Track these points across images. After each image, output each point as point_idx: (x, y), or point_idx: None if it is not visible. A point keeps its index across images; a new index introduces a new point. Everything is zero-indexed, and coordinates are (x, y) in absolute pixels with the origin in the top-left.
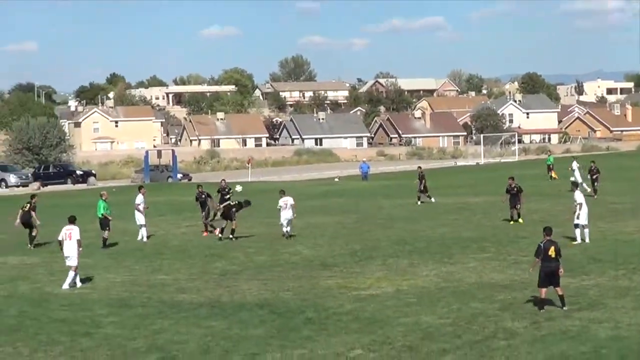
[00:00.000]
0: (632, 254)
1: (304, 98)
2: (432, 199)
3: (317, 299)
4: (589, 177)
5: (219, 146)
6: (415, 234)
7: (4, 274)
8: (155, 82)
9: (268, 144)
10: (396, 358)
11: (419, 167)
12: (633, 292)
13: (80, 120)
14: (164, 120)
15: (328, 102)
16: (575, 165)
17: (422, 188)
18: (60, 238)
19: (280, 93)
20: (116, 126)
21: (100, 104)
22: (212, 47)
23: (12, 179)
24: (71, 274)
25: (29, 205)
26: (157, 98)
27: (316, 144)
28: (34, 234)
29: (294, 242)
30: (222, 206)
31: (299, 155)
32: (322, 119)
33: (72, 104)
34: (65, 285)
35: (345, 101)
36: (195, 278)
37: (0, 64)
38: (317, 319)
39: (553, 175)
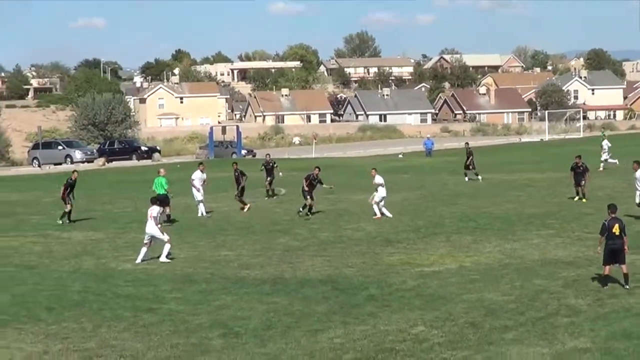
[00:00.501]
0: None
1: (369, 74)
2: (479, 177)
3: (380, 275)
4: None
5: (283, 122)
6: (478, 211)
7: (68, 249)
8: (220, 58)
9: (332, 120)
10: (459, 334)
11: (467, 144)
12: None
13: (145, 96)
14: (228, 96)
15: (392, 78)
16: (605, 144)
17: (469, 165)
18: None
19: (345, 69)
20: (181, 102)
21: (165, 80)
22: (278, 23)
23: (77, 154)
24: (167, 246)
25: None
26: (222, 74)
27: (380, 120)
28: (67, 209)
29: (357, 219)
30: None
31: (363, 131)
32: (387, 95)
33: (138, 80)
34: (163, 258)
35: (410, 77)
36: (258, 254)
37: (67, 41)
38: (380, 295)
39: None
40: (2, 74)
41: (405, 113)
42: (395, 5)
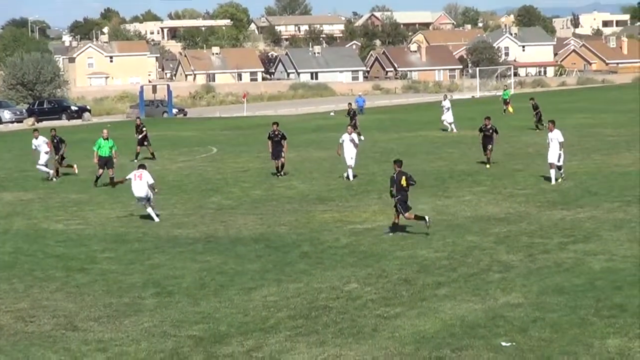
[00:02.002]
0: (627, 186)
1: (300, 32)
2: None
3: (312, 233)
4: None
5: (214, 81)
6: (410, 168)
7: None
8: (149, 16)
9: (264, 79)
10: (392, 291)
11: (531, 99)
12: (628, 224)
13: (74, 55)
14: (158, 55)
15: (323, 36)
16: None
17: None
18: (128, 177)
19: (276, 27)
20: (111, 61)
21: (94, 39)
22: None
23: (6, 114)
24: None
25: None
26: (151, 33)
27: (312, 78)
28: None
29: (289, 177)
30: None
31: (295, 89)
32: (318, 53)
33: (67, 39)
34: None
35: (341, 35)
36: (191, 213)
37: None
38: (313, 252)
39: (509, 109)
40: None
41: (336, 71)
42: None
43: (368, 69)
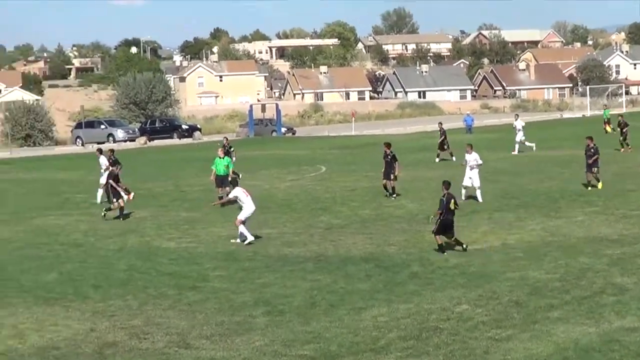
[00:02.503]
0: None
1: (407, 51)
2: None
3: (422, 253)
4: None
5: (322, 100)
6: (520, 188)
7: (114, 227)
8: (258, 36)
9: (371, 98)
10: (503, 313)
11: (620, 116)
12: None
13: (185, 75)
14: (267, 74)
15: (431, 54)
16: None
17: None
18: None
19: (383, 46)
20: (220, 80)
21: (204, 59)
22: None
23: (119, 133)
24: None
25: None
26: (260, 52)
27: (419, 97)
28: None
29: (399, 196)
30: None
31: (402, 108)
32: (425, 71)
33: (177, 59)
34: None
35: (448, 54)
36: (300, 232)
37: (107, 20)
38: (423, 273)
39: (608, 129)
40: (45, 54)
41: (444, 90)
42: None
43: (476, 88)
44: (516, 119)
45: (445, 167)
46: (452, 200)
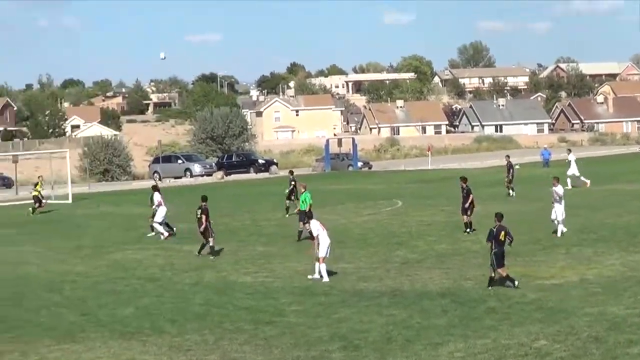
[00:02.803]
0: None
1: (483, 84)
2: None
3: (499, 288)
4: None
5: (398, 134)
6: (599, 222)
7: (190, 262)
8: (334, 70)
9: (447, 131)
10: (582, 349)
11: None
12: None
13: (261, 109)
14: (343, 108)
15: (508, 88)
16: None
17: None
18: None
19: (460, 79)
20: (297, 115)
21: (281, 94)
22: (391, 35)
23: (196, 168)
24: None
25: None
26: (336, 86)
27: (496, 130)
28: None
29: (475, 230)
30: None
31: (479, 142)
32: (502, 105)
33: (254, 93)
34: (316, 276)
35: (525, 87)
36: (376, 266)
37: (184, 55)
38: (500, 308)
39: None
40: (123, 90)
41: (521, 123)
42: (509, 14)
43: (553, 121)
44: (569, 153)
45: (521, 201)
46: (503, 232)
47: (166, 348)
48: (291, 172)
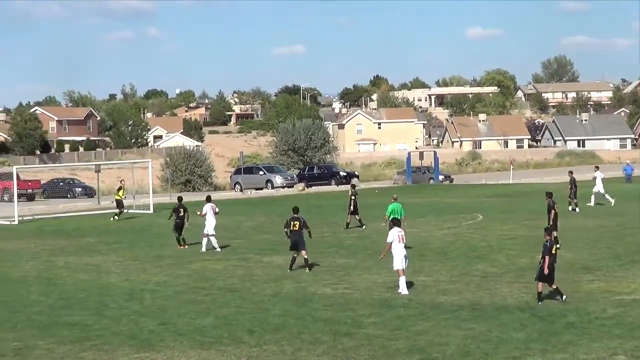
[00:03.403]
0: None
1: (567, 99)
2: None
3: (579, 303)
4: None
5: (480, 147)
6: None
7: (270, 273)
8: (417, 83)
9: (530, 146)
10: None
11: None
12: None
13: (344, 122)
14: (426, 121)
15: (591, 103)
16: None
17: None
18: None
19: (543, 94)
20: (379, 128)
21: (363, 106)
22: (475, 48)
23: (277, 179)
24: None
25: (298, 222)
26: (419, 100)
27: (578, 145)
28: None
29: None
30: None
31: (561, 157)
32: (585, 120)
33: (336, 105)
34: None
35: (609, 102)
36: (455, 280)
37: (269, 67)
38: (579, 323)
39: None
40: (206, 101)
41: (604, 139)
42: (594, 29)
43: (637, 137)
44: (596, 171)
45: (602, 216)
46: (555, 246)
47: (244, 358)
48: (353, 186)
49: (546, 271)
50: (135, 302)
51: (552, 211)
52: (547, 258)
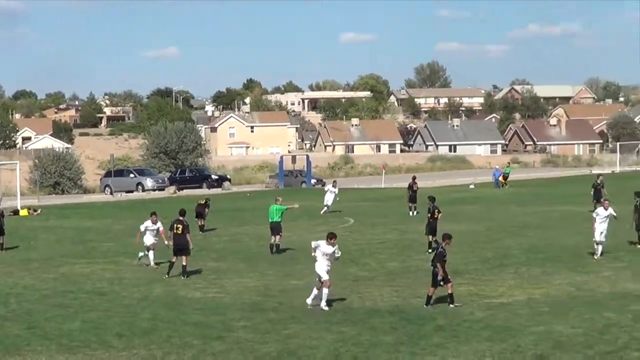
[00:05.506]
0: None
1: (439, 104)
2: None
3: (447, 306)
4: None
5: (353, 152)
6: (548, 242)
7: (139, 276)
8: (291, 87)
9: (402, 150)
10: None
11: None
12: None
13: (216, 125)
14: (299, 125)
15: (463, 108)
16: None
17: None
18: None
19: (415, 99)
20: (252, 131)
21: (236, 109)
22: (348, 53)
23: (148, 182)
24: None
25: (181, 226)
26: (292, 104)
27: (450, 150)
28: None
29: (426, 249)
30: None
31: (433, 161)
32: (457, 125)
33: (209, 109)
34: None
35: (480, 108)
36: None
37: (140, 70)
38: (448, 326)
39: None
40: (77, 103)
41: (475, 144)
42: (466, 36)
43: (507, 142)
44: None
45: (472, 220)
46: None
47: None
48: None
49: (440, 276)
50: (0, 306)
51: (433, 214)
52: (438, 265)
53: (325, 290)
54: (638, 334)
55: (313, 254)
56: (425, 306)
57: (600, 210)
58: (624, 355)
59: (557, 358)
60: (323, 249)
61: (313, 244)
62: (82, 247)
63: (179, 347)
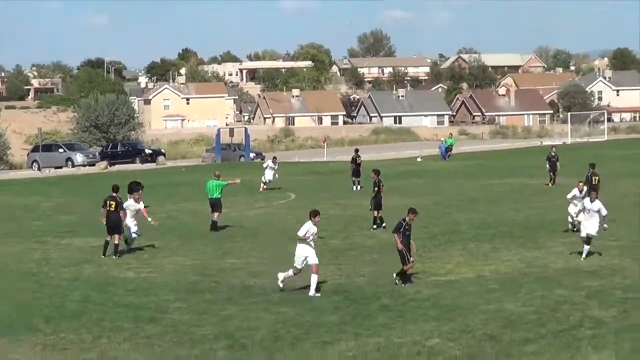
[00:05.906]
0: None
1: (383, 74)
2: None
3: (393, 285)
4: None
5: (293, 124)
6: (498, 217)
7: (68, 256)
8: (228, 57)
9: (345, 122)
10: (476, 347)
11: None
12: None
13: (150, 97)
14: (237, 97)
15: (408, 78)
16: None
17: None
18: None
19: (358, 69)
20: (187, 103)
21: (171, 81)
22: (288, 22)
23: (78, 157)
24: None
25: (114, 202)
26: (230, 74)
27: (395, 122)
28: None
29: (369, 225)
30: None
31: (377, 134)
32: (402, 96)
33: (143, 80)
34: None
35: (426, 78)
36: (266, 262)
37: (69, 39)
38: (394, 305)
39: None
40: (2, 74)
41: (421, 115)
42: (411, 3)
43: (454, 113)
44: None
45: (419, 195)
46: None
47: (40, 347)
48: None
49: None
50: None
51: (377, 188)
52: (395, 236)
53: (315, 277)
54: (591, 312)
55: (309, 240)
56: (403, 285)
57: (586, 202)
58: (577, 333)
59: (508, 337)
60: (313, 230)
61: (301, 232)
62: (10, 225)
63: (110, 330)
